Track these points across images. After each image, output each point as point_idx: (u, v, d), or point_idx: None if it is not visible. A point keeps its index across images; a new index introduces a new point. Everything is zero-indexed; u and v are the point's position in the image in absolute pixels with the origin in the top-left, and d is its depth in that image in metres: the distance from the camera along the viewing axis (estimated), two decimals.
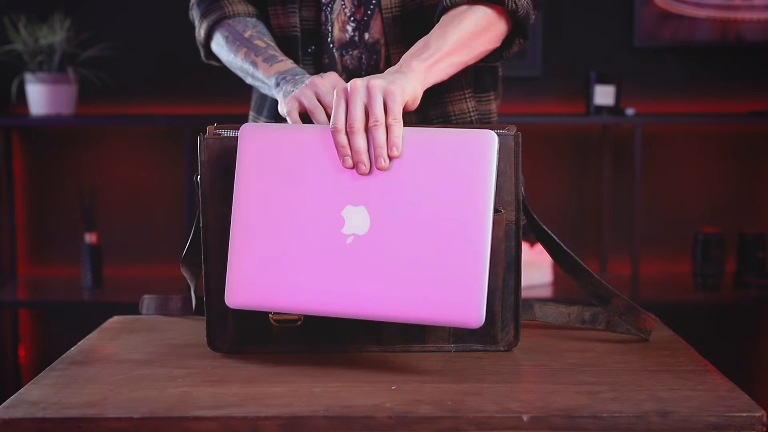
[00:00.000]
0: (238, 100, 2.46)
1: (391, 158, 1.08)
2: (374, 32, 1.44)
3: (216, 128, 1.19)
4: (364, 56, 1.45)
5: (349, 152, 1.08)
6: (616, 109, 2.88)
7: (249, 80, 1.46)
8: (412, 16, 1.42)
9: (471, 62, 1.34)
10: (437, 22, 1.33)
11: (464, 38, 1.30)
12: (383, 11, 1.43)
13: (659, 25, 3.01)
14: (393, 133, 1.08)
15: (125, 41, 3.00)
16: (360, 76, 1.43)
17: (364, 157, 1.08)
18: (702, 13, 3.00)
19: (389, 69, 1.24)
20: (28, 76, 2.83)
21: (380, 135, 1.08)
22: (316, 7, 1.46)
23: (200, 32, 1.51)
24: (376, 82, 1.12)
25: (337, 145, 1.09)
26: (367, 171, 1.08)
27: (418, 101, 1.20)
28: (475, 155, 1.06)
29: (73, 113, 2.89)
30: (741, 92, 3.04)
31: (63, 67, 2.86)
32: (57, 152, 3.08)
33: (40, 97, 2.83)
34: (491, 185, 1.06)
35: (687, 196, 3.08)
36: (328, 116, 1.20)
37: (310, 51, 1.46)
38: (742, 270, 2.93)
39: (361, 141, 1.08)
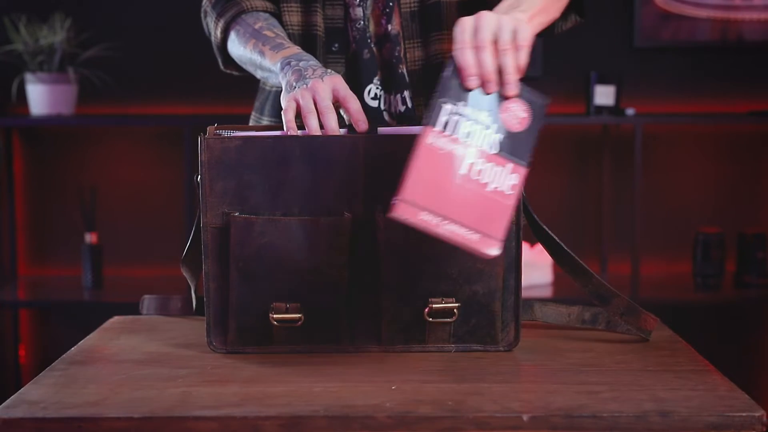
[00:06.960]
0: (238, 100, 2.46)
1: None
2: (395, 24, 1.45)
3: (216, 128, 1.19)
4: (395, 48, 1.46)
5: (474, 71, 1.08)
6: (616, 109, 2.88)
7: (258, 73, 1.43)
8: (429, 9, 1.44)
9: (540, 29, 1.31)
10: None
11: (545, 1, 1.28)
12: (401, 6, 1.44)
13: (659, 25, 3.01)
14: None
15: (125, 41, 3.00)
16: (393, 67, 1.46)
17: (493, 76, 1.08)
18: (702, 13, 3.00)
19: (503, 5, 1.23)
20: (29, 76, 2.83)
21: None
22: (342, 5, 1.45)
23: (217, 33, 1.47)
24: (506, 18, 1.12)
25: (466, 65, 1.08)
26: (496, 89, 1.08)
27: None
28: None
29: (73, 113, 2.89)
30: (741, 92, 3.04)
31: (63, 67, 2.86)
32: (57, 152, 3.08)
33: (40, 97, 2.83)
34: None
35: (687, 196, 3.08)
36: (320, 122, 1.21)
37: (335, 49, 1.46)
38: (742, 270, 2.92)
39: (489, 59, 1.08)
